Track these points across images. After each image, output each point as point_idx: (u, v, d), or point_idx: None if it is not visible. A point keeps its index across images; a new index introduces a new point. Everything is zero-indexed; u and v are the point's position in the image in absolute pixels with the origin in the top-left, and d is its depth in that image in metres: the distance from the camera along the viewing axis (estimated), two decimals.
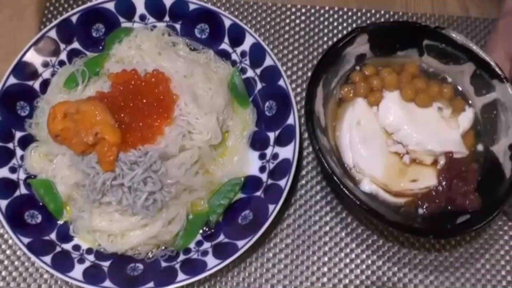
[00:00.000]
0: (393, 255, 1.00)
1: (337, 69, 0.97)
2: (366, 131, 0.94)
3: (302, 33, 1.15)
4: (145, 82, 0.97)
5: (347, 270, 0.99)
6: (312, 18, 1.16)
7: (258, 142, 1.01)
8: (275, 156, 0.98)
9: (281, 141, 0.98)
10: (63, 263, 0.91)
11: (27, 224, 0.94)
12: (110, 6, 1.04)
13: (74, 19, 1.03)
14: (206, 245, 0.94)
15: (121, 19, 1.06)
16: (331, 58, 0.95)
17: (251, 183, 0.98)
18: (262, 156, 1.00)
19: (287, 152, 0.96)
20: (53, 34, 1.02)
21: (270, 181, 0.96)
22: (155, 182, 0.92)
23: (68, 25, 1.03)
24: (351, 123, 0.95)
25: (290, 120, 0.97)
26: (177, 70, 0.99)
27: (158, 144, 0.94)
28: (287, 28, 1.15)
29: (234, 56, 1.05)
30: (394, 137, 0.95)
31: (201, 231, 0.96)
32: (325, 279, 0.98)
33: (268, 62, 1.00)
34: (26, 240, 0.90)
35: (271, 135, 1.00)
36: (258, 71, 1.02)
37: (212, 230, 0.96)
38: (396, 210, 0.91)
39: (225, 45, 1.05)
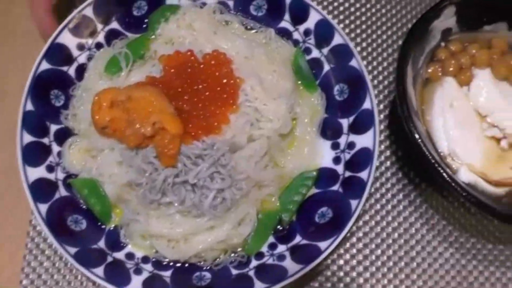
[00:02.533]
0: (478, 252, 0.93)
1: (423, 46, 0.89)
2: (459, 114, 0.87)
3: (374, 10, 1.07)
4: (203, 64, 0.87)
5: (432, 270, 0.91)
6: None
7: (329, 130, 0.92)
8: (351, 145, 0.88)
9: (357, 128, 0.89)
10: (117, 274, 0.80)
11: (71, 231, 0.82)
12: None
13: None
14: (281, 247, 0.84)
15: None
16: (418, 33, 0.87)
17: (325, 176, 0.89)
18: (335, 146, 0.90)
19: (365, 140, 0.87)
20: (89, 12, 0.91)
21: (348, 174, 0.87)
22: (224, 178, 0.81)
23: (105, 2, 0.92)
24: (443, 106, 0.87)
25: (366, 104, 0.88)
26: (237, 51, 0.89)
27: (224, 135, 0.83)
28: (357, 5, 1.07)
29: (296, 35, 0.95)
30: (489, 119, 0.88)
31: (273, 231, 0.86)
32: (409, 282, 0.90)
33: (337, 40, 0.91)
34: (73, 250, 0.79)
35: (344, 122, 0.90)
36: (325, 51, 0.93)
37: (286, 231, 0.87)
38: (498, 201, 0.83)
39: (285, 23, 0.96)
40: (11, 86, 0.96)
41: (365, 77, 0.89)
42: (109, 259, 0.81)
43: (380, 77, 1.01)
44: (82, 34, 0.91)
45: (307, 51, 0.95)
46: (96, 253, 0.81)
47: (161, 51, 0.89)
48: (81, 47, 0.91)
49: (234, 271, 0.82)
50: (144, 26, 0.95)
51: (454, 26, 0.92)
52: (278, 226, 0.87)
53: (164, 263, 0.83)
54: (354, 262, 0.91)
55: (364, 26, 1.05)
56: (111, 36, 0.94)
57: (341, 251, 0.91)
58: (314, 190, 0.89)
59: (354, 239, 0.92)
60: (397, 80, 0.83)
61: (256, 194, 0.85)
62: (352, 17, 1.06)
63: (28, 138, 0.83)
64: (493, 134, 0.87)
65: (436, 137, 0.86)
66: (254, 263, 0.83)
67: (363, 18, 1.06)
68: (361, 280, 0.89)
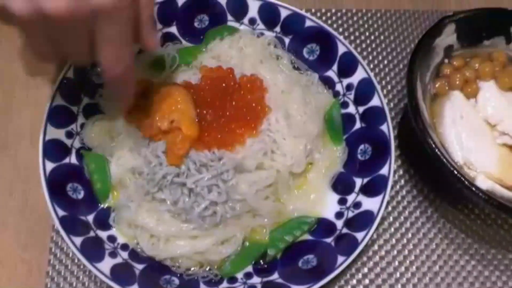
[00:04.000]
0: (499, 262, 0.93)
1: (428, 63, 0.93)
2: (470, 124, 0.89)
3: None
4: (239, 84, 0.91)
5: (456, 284, 0.91)
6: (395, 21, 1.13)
7: (341, 185, 0.92)
8: (357, 205, 0.88)
9: (368, 191, 0.89)
10: (93, 250, 0.81)
11: (67, 197, 0.85)
12: (222, 0, 1.00)
13: (180, 2, 0.98)
14: (256, 279, 0.84)
15: (229, 17, 1.01)
16: (422, 51, 0.90)
17: (322, 227, 0.89)
18: (342, 201, 0.90)
19: (372, 204, 0.86)
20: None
21: (345, 230, 0.86)
22: (221, 193, 0.83)
23: (172, 6, 0.98)
24: (454, 118, 0.90)
25: (384, 170, 0.88)
26: (276, 83, 0.93)
27: (235, 153, 0.86)
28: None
29: (338, 87, 0.98)
30: (499, 128, 0.90)
31: (253, 262, 0.86)
32: None
33: (374, 102, 0.93)
34: (61, 213, 0.81)
35: (358, 181, 0.91)
36: (361, 109, 0.95)
37: (266, 266, 0.86)
38: None
39: (331, 73, 0.99)
40: None
41: (391, 144, 0.89)
42: (91, 233, 0.84)
43: (390, 96, 1.05)
44: None
45: (344, 105, 0.97)
46: (81, 224, 0.84)
47: (205, 63, 0.94)
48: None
49: (203, 286, 0.83)
50: (201, 39, 1.01)
51: (455, 43, 0.95)
52: (259, 260, 0.87)
53: (140, 256, 0.84)
54: (379, 280, 0.90)
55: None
56: (167, 38, 0.99)
57: (365, 270, 0.91)
58: (307, 236, 0.88)
59: (377, 258, 0.92)
60: (409, 95, 0.85)
61: (248, 221, 0.86)
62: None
63: (59, 100, 0.88)
64: (505, 141, 0.89)
65: (450, 149, 0.88)
66: (224, 285, 0.83)
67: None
68: None
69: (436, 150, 0.81)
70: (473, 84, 0.92)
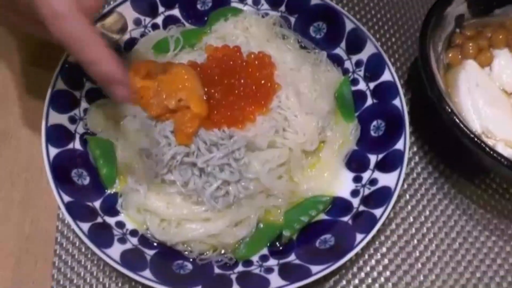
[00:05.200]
0: None
1: (440, 33, 0.93)
2: (486, 92, 0.89)
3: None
4: (247, 62, 0.88)
5: (478, 261, 0.89)
6: None
7: (355, 163, 0.90)
8: (373, 181, 0.86)
9: (384, 167, 0.86)
10: (101, 236, 0.78)
11: (72, 182, 0.82)
12: None
13: None
14: (272, 261, 0.81)
15: None
16: (433, 20, 0.89)
17: (338, 205, 0.86)
18: (357, 179, 0.88)
19: (389, 179, 0.84)
20: None
21: (362, 208, 0.84)
22: (233, 172, 0.81)
23: None
24: (469, 87, 0.89)
25: (399, 145, 0.86)
26: (284, 61, 0.91)
27: (246, 131, 0.83)
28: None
29: (347, 64, 0.96)
30: None
31: (269, 244, 0.83)
32: (456, 275, 0.88)
33: (386, 77, 0.91)
34: (67, 199, 0.79)
35: (373, 158, 0.89)
36: (372, 85, 0.93)
37: (281, 247, 0.84)
38: None
39: (340, 50, 0.97)
40: None
41: (405, 118, 0.87)
42: (99, 219, 0.81)
43: (400, 73, 1.04)
44: (142, 11, 0.95)
45: (354, 82, 0.95)
46: (88, 210, 0.81)
47: (211, 43, 0.92)
48: (137, 22, 0.95)
49: (217, 270, 0.80)
50: (204, 20, 0.99)
51: (466, 12, 0.95)
52: (275, 242, 0.84)
53: (150, 241, 0.82)
54: (398, 260, 0.88)
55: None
56: (170, 21, 0.98)
57: (384, 250, 0.88)
58: (322, 216, 0.86)
59: (395, 237, 0.90)
60: (423, 63, 0.85)
61: (262, 201, 0.83)
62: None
63: (61, 85, 0.86)
64: None
65: (467, 118, 0.87)
66: (239, 268, 0.80)
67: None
68: (408, 278, 0.87)
69: (454, 117, 0.79)
70: (487, 53, 0.92)
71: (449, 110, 0.80)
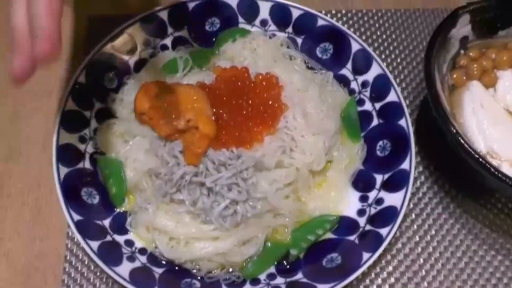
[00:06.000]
0: None
1: (444, 54, 0.93)
2: (491, 113, 0.89)
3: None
4: (254, 83, 0.90)
5: (484, 280, 0.89)
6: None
7: (361, 183, 0.91)
8: (379, 201, 0.87)
9: (390, 186, 0.88)
10: (110, 254, 0.80)
11: (82, 201, 0.83)
12: (233, 2, 1.00)
13: (190, 6, 0.99)
14: (279, 280, 0.82)
15: (240, 19, 1.02)
16: (438, 42, 0.90)
17: (345, 225, 0.87)
18: (363, 199, 0.89)
19: (394, 199, 0.85)
20: (163, 15, 0.98)
21: (368, 227, 0.85)
22: (241, 191, 0.82)
23: (182, 10, 0.99)
24: (474, 107, 0.89)
25: (405, 165, 0.87)
26: (291, 82, 0.92)
27: (254, 151, 0.85)
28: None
29: (353, 85, 0.98)
30: None
31: (276, 263, 0.84)
32: None
33: (391, 97, 0.93)
34: (77, 218, 0.80)
35: (379, 178, 0.90)
36: (378, 105, 0.94)
37: (289, 266, 0.85)
38: None
39: (346, 71, 0.99)
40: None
41: (411, 138, 0.89)
42: (108, 238, 0.82)
43: (405, 93, 1.05)
44: (151, 32, 0.97)
45: (360, 102, 0.97)
46: (97, 228, 0.82)
47: (219, 64, 0.94)
48: (147, 43, 0.97)
49: None
50: (212, 42, 1.01)
51: (470, 34, 0.96)
52: (282, 261, 0.85)
53: (159, 260, 0.83)
54: (405, 279, 0.88)
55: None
56: (178, 42, 1.00)
57: (390, 268, 0.89)
58: (329, 235, 0.87)
59: (401, 256, 0.90)
60: (428, 84, 0.86)
61: (269, 221, 0.84)
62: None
63: (71, 105, 0.87)
64: None
65: (472, 138, 0.87)
66: (247, 286, 0.81)
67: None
68: None
69: (459, 137, 0.80)
70: (491, 74, 0.93)
71: (454, 130, 0.81)
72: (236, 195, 0.81)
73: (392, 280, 0.88)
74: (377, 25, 1.12)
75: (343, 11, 1.12)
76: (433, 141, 0.95)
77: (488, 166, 0.78)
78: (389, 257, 0.90)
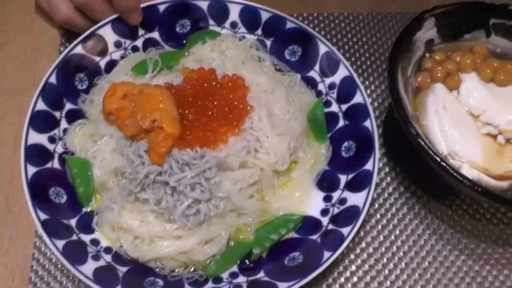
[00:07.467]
0: (489, 256, 0.94)
1: (409, 57, 0.95)
2: (453, 115, 0.91)
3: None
4: (221, 84, 0.92)
5: (447, 279, 0.91)
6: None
7: (326, 183, 0.93)
8: (342, 201, 0.89)
9: (353, 186, 0.89)
10: (75, 253, 0.81)
11: (49, 201, 0.85)
12: (203, 5, 1.02)
13: (161, 8, 1.01)
14: (241, 279, 0.84)
15: (211, 22, 1.03)
16: (403, 45, 0.92)
17: (308, 224, 0.89)
18: (327, 199, 0.91)
19: (357, 199, 0.87)
20: None
21: (331, 226, 0.87)
22: (204, 191, 0.84)
23: (153, 12, 1.01)
24: (437, 109, 0.91)
25: (368, 166, 0.89)
26: (258, 83, 0.94)
27: (218, 152, 0.86)
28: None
29: (321, 86, 0.99)
30: (482, 118, 0.92)
31: (239, 262, 0.86)
32: None
33: (357, 99, 0.94)
34: (43, 217, 0.82)
35: (343, 178, 0.91)
36: (344, 107, 0.96)
37: (251, 265, 0.86)
38: (503, 194, 0.84)
39: (314, 73, 1.00)
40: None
41: (375, 139, 0.90)
42: (74, 237, 0.84)
43: (374, 95, 1.07)
44: (122, 34, 0.99)
45: (327, 103, 0.98)
46: (63, 227, 0.84)
47: (187, 66, 0.96)
48: (118, 45, 0.99)
49: (188, 287, 0.82)
50: (183, 43, 1.03)
51: (436, 37, 0.98)
52: (244, 260, 0.87)
53: (123, 258, 0.84)
54: (367, 278, 0.90)
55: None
56: (149, 43, 1.02)
57: (353, 268, 0.91)
58: (292, 234, 0.89)
59: (364, 255, 0.92)
60: (390, 86, 0.87)
61: (232, 220, 0.86)
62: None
63: (42, 105, 0.89)
64: (488, 131, 0.91)
65: (434, 140, 0.89)
66: (209, 285, 0.83)
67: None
68: None
69: (419, 139, 0.82)
70: (455, 76, 0.94)
71: (415, 132, 0.82)
72: (199, 195, 0.83)
73: (355, 279, 0.90)
74: (348, 28, 1.13)
75: (315, 14, 1.14)
76: (399, 143, 0.97)
77: (446, 166, 0.80)
78: (352, 256, 0.91)
